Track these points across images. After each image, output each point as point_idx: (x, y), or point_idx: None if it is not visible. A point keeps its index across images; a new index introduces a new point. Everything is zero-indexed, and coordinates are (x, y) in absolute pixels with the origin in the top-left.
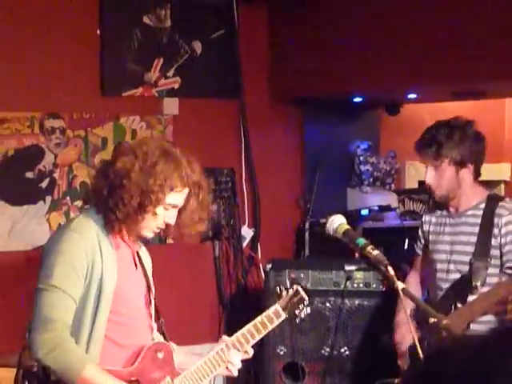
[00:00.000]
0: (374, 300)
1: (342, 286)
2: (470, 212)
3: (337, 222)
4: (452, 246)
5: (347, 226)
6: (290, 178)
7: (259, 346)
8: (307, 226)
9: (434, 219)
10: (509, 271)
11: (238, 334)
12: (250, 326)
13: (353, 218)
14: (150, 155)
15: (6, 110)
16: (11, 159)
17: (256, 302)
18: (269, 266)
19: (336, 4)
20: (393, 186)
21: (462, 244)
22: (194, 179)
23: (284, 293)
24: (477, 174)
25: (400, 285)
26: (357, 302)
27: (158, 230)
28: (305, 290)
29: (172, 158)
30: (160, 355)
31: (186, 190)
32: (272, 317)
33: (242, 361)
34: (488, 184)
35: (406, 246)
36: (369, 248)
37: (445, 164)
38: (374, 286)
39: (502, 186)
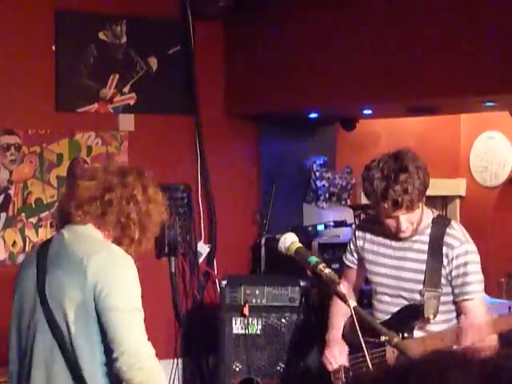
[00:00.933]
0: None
1: (298, 302)
2: (415, 237)
3: (289, 241)
4: (398, 272)
5: (299, 244)
6: (246, 193)
7: (215, 363)
8: (263, 241)
9: (368, 236)
10: (461, 300)
11: None
12: None
13: (309, 233)
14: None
15: None
16: None
17: (212, 317)
18: (224, 283)
19: (290, 20)
20: (348, 201)
21: (409, 271)
22: None
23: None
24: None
25: (352, 303)
26: (312, 317)
27: None
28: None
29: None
30: None
31: None
32: None
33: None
34: (444, 199)
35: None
36: (320, 266)
37: (416, 205)
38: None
39: (458, 201)
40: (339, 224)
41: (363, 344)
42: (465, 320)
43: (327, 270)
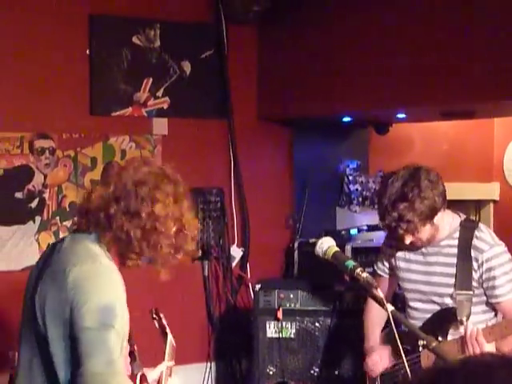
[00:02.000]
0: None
1: (332, 306)
2: (444, 242)
3: (326, 245)
4: (428, 277)
5: (336, 249)
6: (279, 197)
7: (249, 366)
8: (296, 245)
9: (401, 244)
10: (495, 302)
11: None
12: None
13: (342, 237)
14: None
15: None
16: (0, 179)
17: (245, 321)
18: (258, 286)
19: (324, 24)
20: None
21: (439, 275)
22: None
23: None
24: (445, 205)
25: (389, 307)
26: (346, 322)
27: None
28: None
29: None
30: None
31: None
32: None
33: None
34: (477, 203)
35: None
36: (358, 270)
37: (421, 228)
38: (364, 305)
39: (491, 205)
40: (372, 228)
41: (401, 348)
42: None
43: (364, 275)
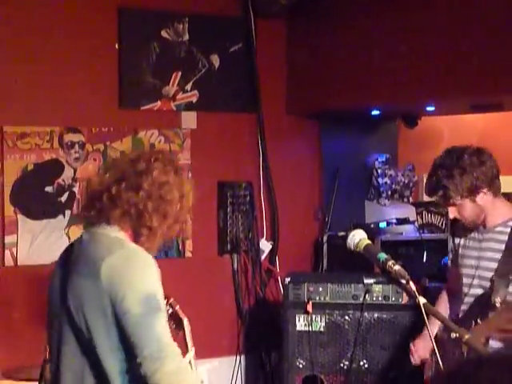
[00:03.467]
0: (393, 313)
1: (361, 299)
2: (497, 229)
3: (358, 237)
4: (478, 261)
5: (368, 241)
6: (307, 191)
7: (278, 359)
8: (325, 238)
9: (462, 232)
10: None
11: None
12: None
13: (371, 230)
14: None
15: (25, 125)
16: (31, 174)
17: (275, 314)
18: (287, 280)
19: (354, 17)
20: (411, 198)
21: (487, 260)
22: None
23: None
24: (495, 191)
25: (421, 300)
26: (376, 315)
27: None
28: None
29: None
30: None
31: None
32: None
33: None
34: (506, 196)
35: (424, 259)
36: (390, 263)
37: (459, 201)
38: (393, 299)
39: None
40: (402, 221)
41: (434, 343)
42: None
43: (396, 267)
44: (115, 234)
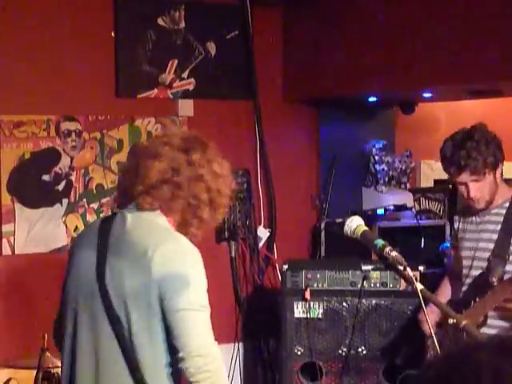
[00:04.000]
0: (391, 299)
1: (359, 286)
2: (494, 210)
3: (355, 224)
4: (476, 243)
5: (365, 228)
6: (305, 177)
7: (276, 347)
8: (323, 225)
9: (462, 217)
10: None
11: None
12: None
13: (368, 217)
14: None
15: (22, 113)
16: (28, 162)
17: (273, 301)
18: (285, 267)
19: (350, 3)
20: (408, 185)
21: (485, 241)
22: None
23: None
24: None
25: (419, 286)
26: (374, 301)
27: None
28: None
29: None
30: None
31: None
32: None
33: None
34: (507, 182)
35: (422, 246)
36: (387, 249)
37: (486, 175)
38: (391, 285)
39: None
40: (399, 208)
41: (432, 329)
42: None
43: (394, 253)
44: (163, 222)
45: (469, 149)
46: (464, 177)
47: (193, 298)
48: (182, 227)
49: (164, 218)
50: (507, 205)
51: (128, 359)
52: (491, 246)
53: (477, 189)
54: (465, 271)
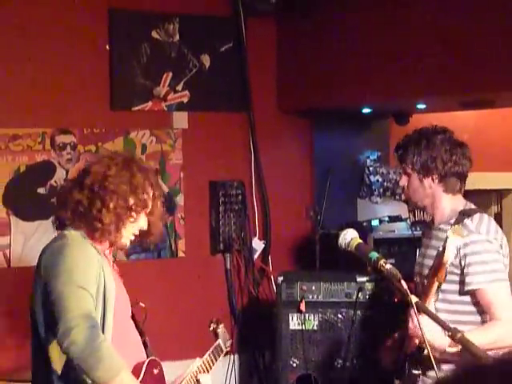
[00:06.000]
0: (386, 311)
1: (354, 298)
2: (441, 226)
3: (349, 237)
4: (423, 259)
5: (359, 240)
6: (299, 189)
7: (272, 359)
8: (318, 237)
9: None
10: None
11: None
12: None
13: (363, 228)
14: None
15: (17, 127)
16: (23, 175)
17: (268, 313)
18: (280, 279)
19: (344, 15)
20: (402, 196)
21: (427, 258)
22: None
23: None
24: (446, 187)
25: (413, 298)
26: (369, 313)
27: (133, 238)
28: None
29: (136, 164)
30: (155, 371)
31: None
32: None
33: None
34: (499, 193)
35: (417, 257)
36: (381, 262)
37: (409, 170)
38: (386, 297)
39: None
40: (394, 219)
41: (427, 341)
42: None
43: (388, 266)
44: (70, 234)
45: (407, 139)
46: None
47: (62, 280)
48: (93, 233)
49: (72, 232)
50: (452, 221)
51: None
52: (429, 262)
53: (404, 181)
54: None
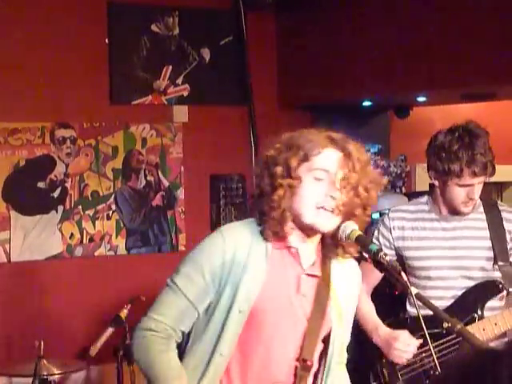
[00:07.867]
0: (386, 303)
1: None
2: (471, 216)
3: (349, 229)
4: (454, 252)
5: (359, 232)
6: None
7: None
8: None
9: (407, 224)
10: None
11: None
12: None
13: None
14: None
15: (17, 121)
16: (23, 169)
17: None
18: None
19: (344, 9)
20: (403, 189)
21: (468, 249)
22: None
23: None
24: None
25: (413, 290)
26: None
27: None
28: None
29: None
30: None
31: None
32: None
33: None
34: (499, 185)
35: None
36: (381, 254)
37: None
38: (387, 290)
39: None
40: None
41: (427, 334)
42: None
43: (388, 258)
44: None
45: (483, 150)
46: (479, 178)
47: (175, 270)
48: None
49: (250, 223)
50: (482, 209)
51: None
52: (477, 253)
53: (479, 190)
54: (432, 283)
